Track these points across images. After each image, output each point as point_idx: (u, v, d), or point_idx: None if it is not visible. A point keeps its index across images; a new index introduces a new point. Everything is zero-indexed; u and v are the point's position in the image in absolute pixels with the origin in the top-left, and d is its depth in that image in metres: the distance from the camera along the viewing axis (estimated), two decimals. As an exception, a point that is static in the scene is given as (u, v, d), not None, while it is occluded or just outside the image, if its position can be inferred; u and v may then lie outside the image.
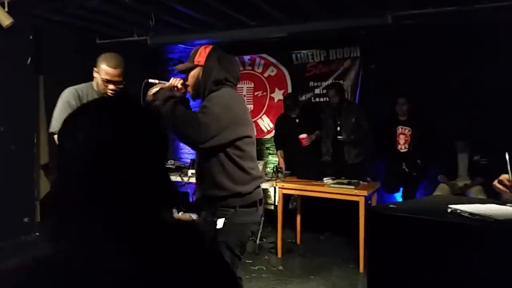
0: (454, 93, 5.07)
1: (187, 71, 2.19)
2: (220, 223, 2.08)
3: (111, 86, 2.65)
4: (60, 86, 2.86)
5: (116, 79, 2.65)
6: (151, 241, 0.72)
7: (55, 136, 2.74)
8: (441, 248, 1.55)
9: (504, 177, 1.69)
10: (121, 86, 2.69)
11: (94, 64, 2.72)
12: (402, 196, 5.28)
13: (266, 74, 6.40)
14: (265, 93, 6.42)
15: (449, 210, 1.66)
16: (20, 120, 4.66)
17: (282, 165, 5.47)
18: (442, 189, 4.83)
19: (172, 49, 6.79)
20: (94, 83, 2.75)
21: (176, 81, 2.20)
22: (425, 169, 5.09)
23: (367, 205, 4.42)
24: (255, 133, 2.30)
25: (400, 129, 5.20)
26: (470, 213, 1.59)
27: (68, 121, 0.77)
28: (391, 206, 1.77)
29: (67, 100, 2.68)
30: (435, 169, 5.02)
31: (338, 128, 5.18)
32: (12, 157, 4.49)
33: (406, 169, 5.11)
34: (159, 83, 2.19)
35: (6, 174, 4.18)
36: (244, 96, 6.36)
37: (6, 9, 4.33)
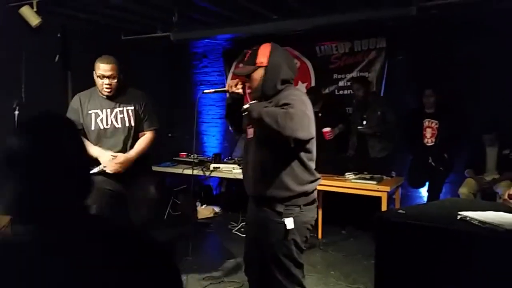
0: (483, 86, 4.89)
1: (248, 74, 2.12)
2: (289, 223, 2.09)
3: (106, 81, 2.90)
4: (87, 81, 3.13)
5: (109, 73, 2.89)
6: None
7: None
8: (449, 256, 1.53)
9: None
10: (115, 81, 2.93)
11: (118, 59, 2.99)
12: (428, 191, 5.18)
13: (289, 67, 6.33)
14: (288, 86, 6.37)
15: (458, 217, 1.63)
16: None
17: None
18: (469, 184, 4.70)
19: (196, 44, 6.82)
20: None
21: (234, 84, 2.14)
22: (452, 163, 4.95)
23: (390, 200, 4.36)
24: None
25: (427, 122, 5.07)
26: (480, 221, 1.55)
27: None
28: (400, 211, 1.75)
29: (71, 105, 3.11)
30: (462, 163, 4.88)
31: (364, 122, 5.08)
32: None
33: (433, 163, 4.98)
34: (215, 91, 2.22)
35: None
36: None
37: (35, 9, 4.47)
